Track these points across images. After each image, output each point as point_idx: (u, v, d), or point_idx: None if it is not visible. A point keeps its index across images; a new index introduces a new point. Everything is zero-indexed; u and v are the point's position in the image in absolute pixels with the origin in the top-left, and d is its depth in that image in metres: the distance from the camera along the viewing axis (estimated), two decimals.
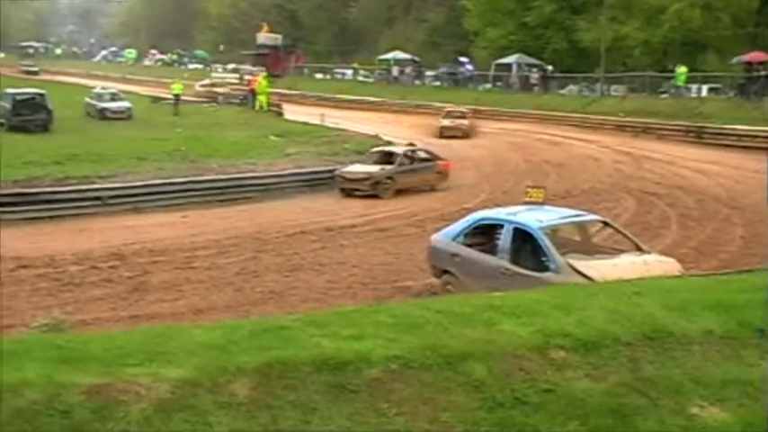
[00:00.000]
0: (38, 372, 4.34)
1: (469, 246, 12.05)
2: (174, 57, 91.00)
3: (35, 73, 67.90)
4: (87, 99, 38.82)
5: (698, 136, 32.59)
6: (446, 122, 37.07)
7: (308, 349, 5.04)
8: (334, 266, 15.02)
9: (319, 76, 67.92)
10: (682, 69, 41.17)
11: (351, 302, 12.07)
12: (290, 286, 13.78)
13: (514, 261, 11.03)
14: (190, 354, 4.94)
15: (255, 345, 5.16)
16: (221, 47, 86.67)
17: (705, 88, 40.88)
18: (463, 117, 37.98)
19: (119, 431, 4.03)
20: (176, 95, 43.18)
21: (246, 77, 50.88)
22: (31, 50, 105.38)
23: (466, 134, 36.27)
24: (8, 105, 31.50)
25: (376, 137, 31.34)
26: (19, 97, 32.13)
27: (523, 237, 11.13)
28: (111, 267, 14.80)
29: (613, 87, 45.87)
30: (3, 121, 31.30)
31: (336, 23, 78.44)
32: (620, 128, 36.66)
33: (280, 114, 40.81)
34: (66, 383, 4.20)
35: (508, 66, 53.72)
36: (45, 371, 4.36)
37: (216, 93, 47.90)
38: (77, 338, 5.94)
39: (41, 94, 32.82)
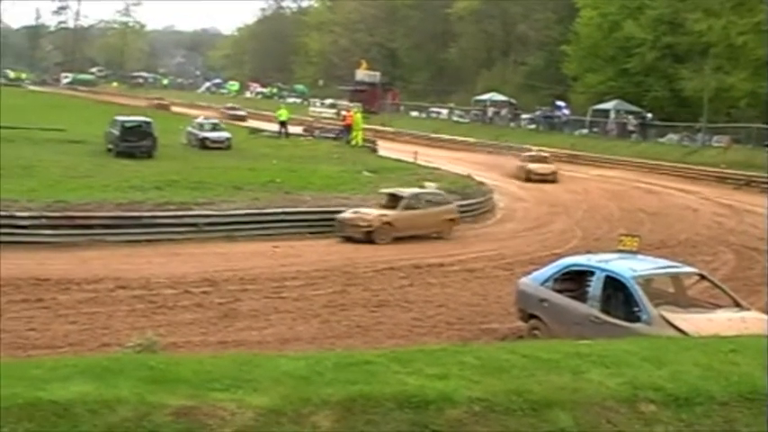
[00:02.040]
0: (131, 390, 4.46)
1: (558, 291, 11.85)
2: (274, 90, 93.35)
3: (242, 118, 60.21)
4: (189, 128, 40.10)
5: None
6: (533, 166, 36.75)
7: (392, 385, 5.03)
8: (421, 304, 14.98)
9: (414, 114, 68.47)
10: None
11: (436, 341, 12.00)
12: (375, 321, 13.80)
13: (605, 310, 10.78)
14: (275, 382, 4.99)
15: (340, 378, 5.18)
16: (320, 82, 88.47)
17: None
18: (547, 161, 37.73)
19: None
20: (282, 122, 45.61)
21: (342, 113, 51.85)
22: (140, 80, 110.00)
23: (553, 178, 35.95)
24: (116, 132, 32.88)
25: (468, 176, 31.29)
26: (127, 124, 33.54)
27: (615, 285, 10.88)
28: (203, 293, 15.15)
29: (715, 138, 44.65)
30: (111, 146, 32.68)
31: (434, 63, 79.11)
32: (722, 180, 35.63)
33: (374, 150, 41.25)
34: (155, 403, 4.31)
35: (606, 111, 53.03)
36: (137, 390, 4.48)
37: (313, 126, 48.88)
38: (168, 360, 6.08)
39: (147, 122, 34.16)
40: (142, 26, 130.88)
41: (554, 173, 36.52)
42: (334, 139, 45.12)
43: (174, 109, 67.67)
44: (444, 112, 66.28)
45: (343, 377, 5.19)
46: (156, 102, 70.22)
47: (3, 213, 19.21)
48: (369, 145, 42.41)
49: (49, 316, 13.36)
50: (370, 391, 4.87)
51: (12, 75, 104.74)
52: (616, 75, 55.05)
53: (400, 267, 18.14)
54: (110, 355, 7.80)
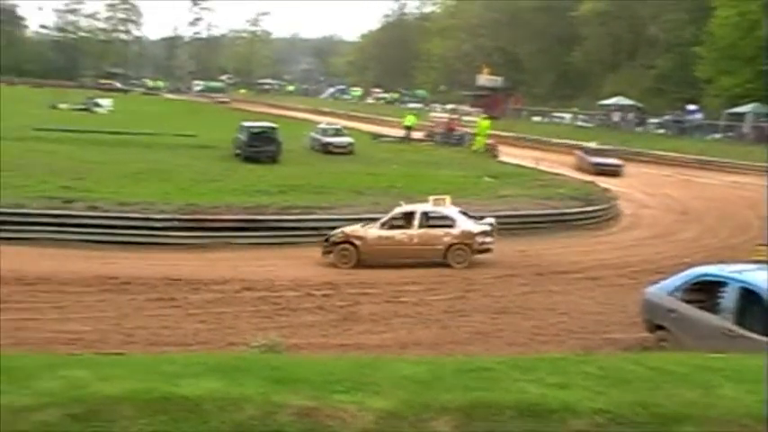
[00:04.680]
0: (256, 389, 4.59)
1: (688, 302, 11.40)
2: (395, 95, 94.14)
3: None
4: (312, 134, 40.94)
5: None
6: (597, 159, 38.18)
7: (513, 393, 4.96)
8: (542, 312, 14.76)
9: (537, 119, 67.52)
10: None
11: (557, 350, 11.78)
12: (496, 328, 13.69)
13: (739, 323, 10.29)
14: (395, 386, 5.01)
15: (460, 383, 5.15)
16: (441, 87, 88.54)
17: None
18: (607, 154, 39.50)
19: None
20: (408, 127, 47.13)
21: (452, 118, 51.98)
22: (267, 87, 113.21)
23: (614, 172, 36.94)
24: (243, 137, 33.97)
25: (592, 183, 30.59)
26: (253, 130, 34.62)
27: (751, 298, 10.36)
28: (324, 296, 15.43)
29: None
30: (239, 151, 33.79)
31: (558, 67, 77.78)
32: None
33: (494, 156, 40.96)
34: (279, 403, 4.41)
35: (741, 115, 50.68)
36: (262, 389, 4.60)
37: (434, 131, 49.04)
38: (291, 361, 6.21)
39: (273, 128, 35.14)
40: (269, 34, 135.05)
41: (616, 166, 37.74)
42: (456, 144, 45.10)
43: (298, 115, 69.25)
44: (567, 116, 65.04)
45: (464, 383, 5.15)
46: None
47: (140, 215, 20.21)
48: (490, 150, 42.14)
49: (181, 314, 13.92)
50: (491, 398, 4.82)
51: (150, 83, 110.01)
52: (754, 76, 52.41)
53: (521, 274, 17.93)
54: (236, 354, 8.04)
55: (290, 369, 5.31)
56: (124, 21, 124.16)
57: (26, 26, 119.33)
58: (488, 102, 64.62)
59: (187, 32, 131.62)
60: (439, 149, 42.94)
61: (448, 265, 18.29)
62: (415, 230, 18.76)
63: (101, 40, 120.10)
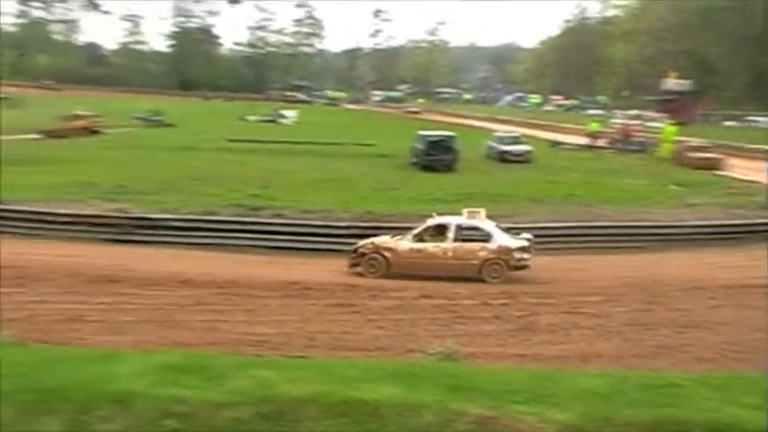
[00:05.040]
0: (434, 396, 4.62)
1: None
2: (575, 102, 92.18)
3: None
4: (489, 142, 40.77)
5: None
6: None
7: (703, 412, 4.70)
8: (734, 327, 13.91)
9: (728, 123, 63.92)
10: None
11: (751, 368, 11.05)
12: (682, 343, 13.05)
13: None
14: (575, 399, 4.89)
15: (644, 399, 4.96)
16: (625, 92, 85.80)
17: None
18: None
19: None
20: (592, 134, 46.76)
21: (628, 124, 50.26)
22: (444, 96, 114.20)
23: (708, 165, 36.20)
24: (421, 146, 34.37)
25: None
26: (431, 139, 34.95)
27: None
28: (501, 305, 15.30)
29: None
30: (416, 160, 34.22)
31: (752, 68, 73.31)
32: None
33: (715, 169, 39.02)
34: (457, 411, 4.41)
35: None
36: (440, 396, 4.62)
37: (614, 138, 47.59)
38: (468, 369, 6.21)
39: (450, 137, 35.33)
40: (446, 43, 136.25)
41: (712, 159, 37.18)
42: (637, 151, 43.51)
43: (476, 123, 69.25)
44: (763, 120, 61.12)
45: (648, 399, 4.95)
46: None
47: (322, 223, 20.92)
48: (677, 158, 40.28)
49: (360, 320, 14.25)
50: (679, 416, 4.60)
51: (331, 95, 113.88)
52: None
53: (710, 287, 16.98)
54: (414, 360, 8.13)
55: (468, 378, 5.31)
56: (308, 35, 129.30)
57: (221, 44, 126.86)
58: (675, 106, 61.92)
59: (367, 44, 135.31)
60: (620, 157, 41.57)
61: (482, 281, 17.57)
62: (449, 244, 18.09)
63: (287, 54, 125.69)
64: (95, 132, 45.62)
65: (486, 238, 18.12)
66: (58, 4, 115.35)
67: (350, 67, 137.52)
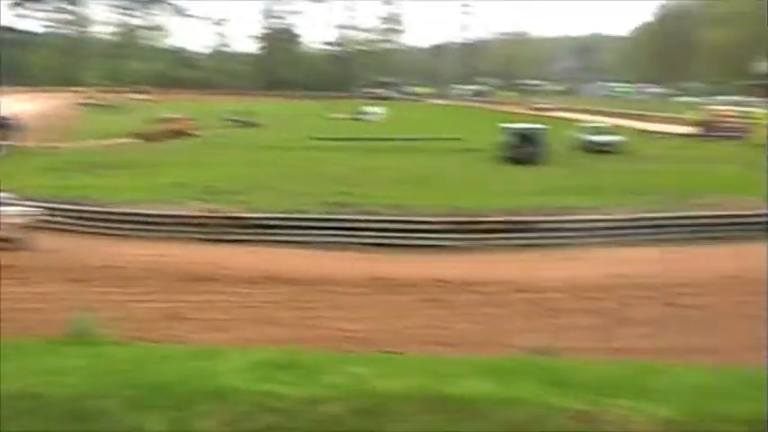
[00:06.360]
0: (530, 391, 4.55)
1: None
2: (668, 90, 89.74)
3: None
4: (578, 133, 40.06)
5: None
6: None
7: None
8: None
9: None
10: None
11: None
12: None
13: None
14: (676, 394, 4.74)
15: (749, 394, 4.77)
16: (719, 78, 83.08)
17: None
18: None
19: None
20: (692, 122, 45.61)
21: (720, 110, 48.59)
22: (532, 87, 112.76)
23: None
24: (508, 139, 34.06)
25: None
26: (518, 132, 34.58)
27: None
28: (594, 298, 15.01)
29: None
30: (504, 153, 33.85)
31: None
32: None
33: None
34: (555, 405, 4.33)
35: None
36: (537, 391, 4.55)
37: (713, 126, 46.12)
38: (563, 363, 6.11)
39: (537, 129, 34.87)
40: (532, 34, 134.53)
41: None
42: (734, 137, 42.01)
43: (563, 114, 68.15)
44: None
45: (753, 394, 4.77)
46: (534, 106, 72.21)
47: (407, 219, 20.92)
48: None
49: (450, 315, 14.21)
50: None
51: (418, 90, 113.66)
52: None
53: None
54: (508, 355, 8.05)
55: (563, 372, 5.22)
56: (392, 31, 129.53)
57: (302, 42, 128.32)
58: None
59: (452, 38, 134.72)
60: (714, 144, 40.24)
61: None
62: None
63: (370, 51, 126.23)
64: (188, 135, 46.81)
65: None
66: (147, 11, 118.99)
67: (435, 61, 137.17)
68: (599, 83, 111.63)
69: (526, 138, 33.99)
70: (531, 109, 70.60)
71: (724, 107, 50.89)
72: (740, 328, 13.00)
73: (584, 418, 4.23)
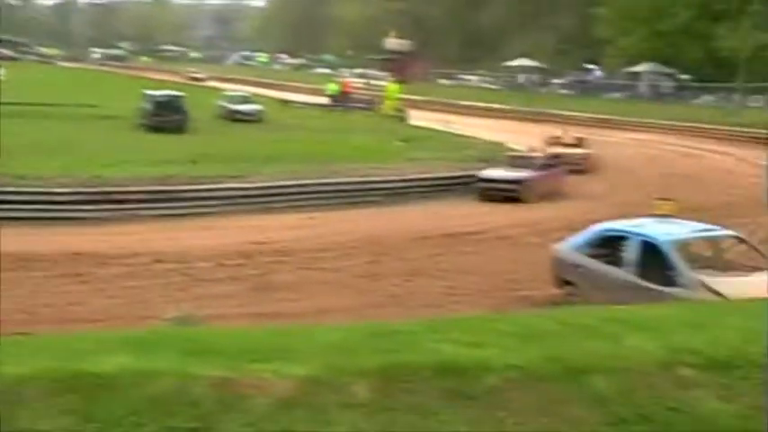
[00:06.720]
0: (170, 362, 4.52)
1: (593, 257, 11.79)
2: (302, 61, 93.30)
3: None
4: (220, 101, 40.20)
5: None
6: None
7: (428, 354, 5.03)
8: (454, 273, 14.99)
9: (443, 81, 68.05)
10: None
11: (470, 310, 12.01)
12: (409, 291, 13.85)
13: (641, 274, 10.71)
14: (312, 353, 5.02)
15: (376, 347, 5.19)
16: (349, 51, 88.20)
17: None
18: None
19: (243, 423, 4.14)
20: (332, 95, 47.68)
21: (346, 82, 52.36)
22: (169, 54, 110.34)
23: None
24: (148, 107, 33.06)
25: (500, 144, 31.06)
26: (158, 99, 33.71)
27: (651, 250, 10.79)
28: (237, 265, 15.28)
29: (752, 98, 43.88)
30: (144, 121, 32.81)
31: (464, 30, 78.40)
32: (759, 141, 35.00)
33: (403, 120, 41.15)
34: (195, 375, 4.36)
35: (638, 74, 52.28)
36: (176, 362, 4.54)
37: (346, 97, 49.01)
38: (205, 332, 6.16)
39: (178, 96, 34.31)
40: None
41: None
42: (365, 108, 45.09)
43: (209, 83, 67.93)
44: (474, 79, 65.83)
45: (380, 346, 5.20)
46: (190, 75, 71.34)
47: (41, 190, 19.49)
48: (398, 114, 42.30)
49: (89, 290, 13.58)
50: (407, 360, 4.89)
51: (45, 51, 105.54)
52: (650, 36, 54.11)
53: (433, 236, 18.18)
54: (149, 328, 7.90)
55: (205, 341, 5.26)
56: None
57: None
58: (397, 66, 64.78)
59: None
60: (348, 115, 42.82)
61: None
62: None
63: None
64: None
65: None
66: None
67: (63, 22, 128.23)
68: (240, 52, 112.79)
69: (167, 105, 33.28)
70: (185, 78, 69.38)
71: (356, 80, 54.31)
72: (370, 287, 14.07)
73: (225, 384, 4.31)
